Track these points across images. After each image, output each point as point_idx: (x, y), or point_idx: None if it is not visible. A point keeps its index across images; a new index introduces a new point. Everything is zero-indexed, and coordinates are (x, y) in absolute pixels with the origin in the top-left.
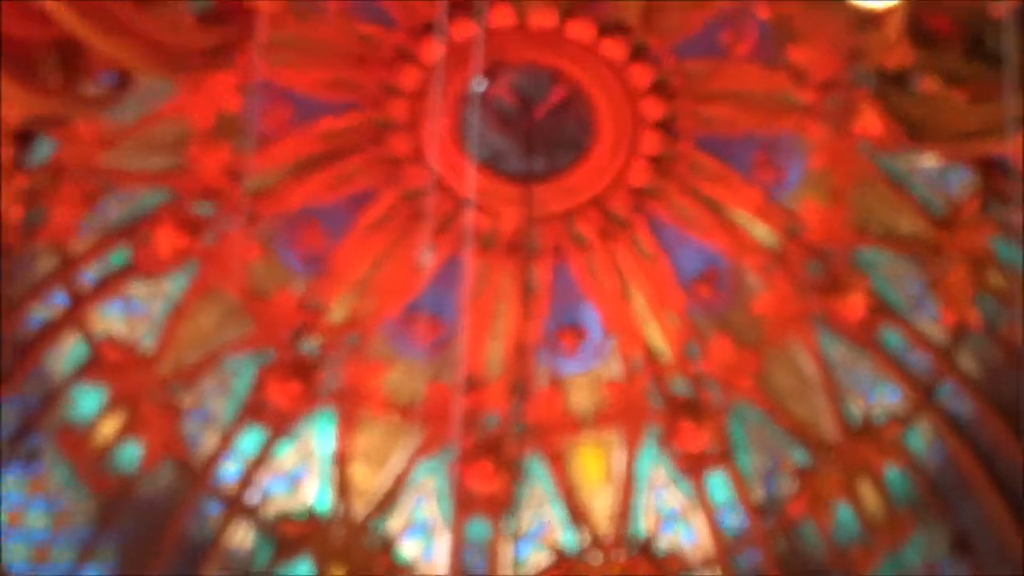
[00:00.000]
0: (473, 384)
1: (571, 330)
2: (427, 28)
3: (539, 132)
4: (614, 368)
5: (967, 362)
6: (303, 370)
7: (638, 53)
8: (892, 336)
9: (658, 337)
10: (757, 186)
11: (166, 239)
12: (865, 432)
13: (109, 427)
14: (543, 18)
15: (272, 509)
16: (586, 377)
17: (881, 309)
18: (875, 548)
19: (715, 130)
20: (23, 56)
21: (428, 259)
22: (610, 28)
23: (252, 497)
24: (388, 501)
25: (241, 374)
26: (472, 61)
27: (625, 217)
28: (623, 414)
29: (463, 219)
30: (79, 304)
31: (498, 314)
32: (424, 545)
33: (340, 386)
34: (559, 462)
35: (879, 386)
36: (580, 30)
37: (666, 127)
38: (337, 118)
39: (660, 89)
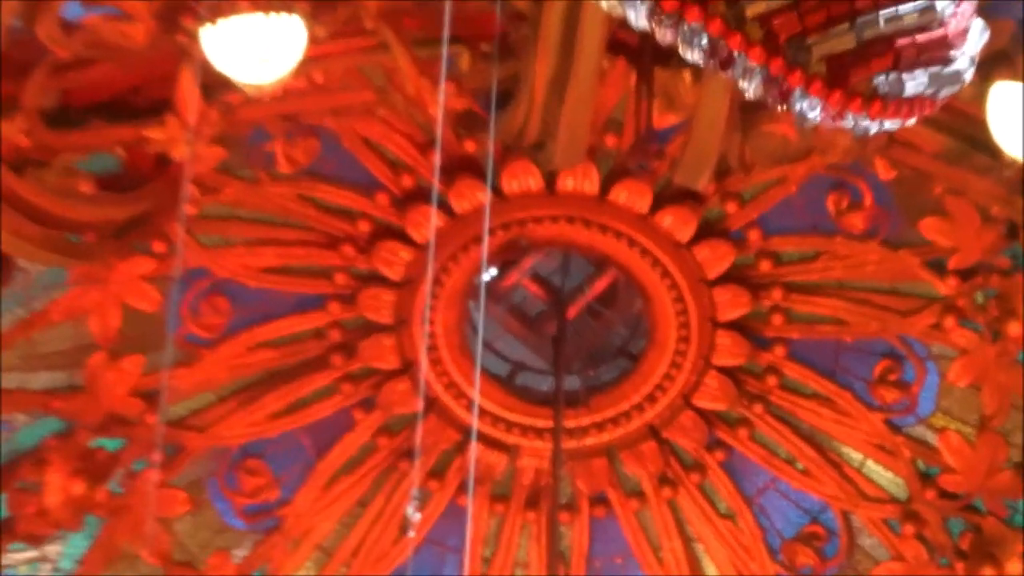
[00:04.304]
0: None
1: None
2: (421, 194)
3: (573, 336)
4: None
5: None
6: None
7: (710, 227)
8: None
9: None
10: (877, 411)
11: (56, 487)
12: None
13: None
14: (580, 180)
15: None
16: None
17: None
18: None
19: (817, 334)
20: None
21: (417, 515)
22: (672, 194)
23: None
24: None
25: None
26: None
27: (692, 454)
28: None
29: (467, 458)
30: None
31: None
32: None
33: None
34: None
35: None
36: (630, 197)
37: (749, 329)
38: (294, 319)
39: (741, 277)
